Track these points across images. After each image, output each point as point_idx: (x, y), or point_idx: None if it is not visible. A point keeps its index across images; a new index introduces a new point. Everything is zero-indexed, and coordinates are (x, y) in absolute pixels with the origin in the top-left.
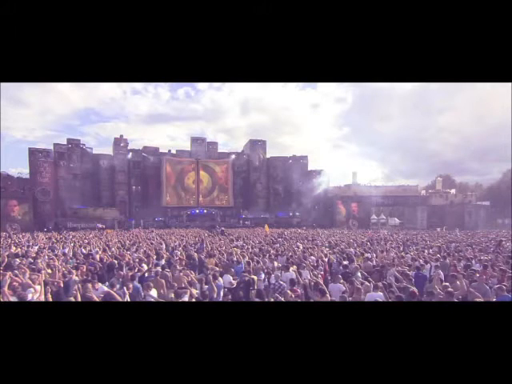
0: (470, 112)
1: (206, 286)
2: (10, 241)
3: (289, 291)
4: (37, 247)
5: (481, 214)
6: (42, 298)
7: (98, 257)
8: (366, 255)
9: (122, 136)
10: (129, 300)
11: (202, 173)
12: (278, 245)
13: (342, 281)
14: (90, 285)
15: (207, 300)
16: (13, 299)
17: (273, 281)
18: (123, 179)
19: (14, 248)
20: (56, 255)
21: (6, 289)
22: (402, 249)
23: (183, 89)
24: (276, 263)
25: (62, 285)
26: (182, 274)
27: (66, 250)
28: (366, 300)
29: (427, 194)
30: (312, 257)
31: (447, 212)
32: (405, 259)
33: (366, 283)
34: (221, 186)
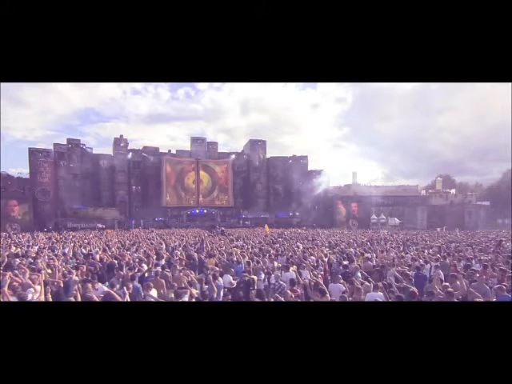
0: (470, 112)
1: (206, 286)
2: (10, 241)
3: (289, 291)
4: (37, 247)
5: (481, 214)
6: (42, 298)
7: (98, 257)
8: (366, 255)
9: (121, 136)
10: (129, 300)
11: (202, 173)
12: (278, 245)
13: (341, 281)
14: (89, 285)
15: (207, 300)
16: (13, 299)
17: (273, 281)
18: (123, 179)
19: (14, 248)
20: (56, 255)
21: (6, 289)
22: (401, 249)
23: (183, 89)
24: (276, 263)
25: (61, 285)
26: (182, 274)
27: (66, 250)
28: (366, 300)
29: (427, 194)
30: (312, 257)
31: (447, 212)
32: (405, 259)
33: (366, 283)
34: (221, 186)
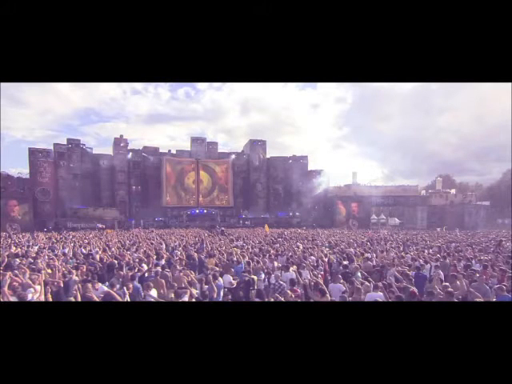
0: (470, 112)
1: (206, 286)
2: (10, 241)
3: (289, 291)
4: (37, 247)
5: (481, 214)
6: (42, 298)
7: (98, 257)
8: (366, 255)
9: (122, 136)
10: (129, 300)
11: (201, 173)
12: (278, 245)
13: (342, 281)
14: (89, 285)
15: (207, 300)
16: (13, 299)
17: (273, 281)
18: (123, 179)
19: (14, 248)
20: (56, 255)
21: (6, 289)
22: (402, 249)
23: (183, 89)
24: (276, 263)
25: (61, 285)
26: (182, 274)
27: (66, 250)
28: (366, 300)
29: (427, 194)
30: (312, 257)
31: (447, 212)
32: (405, 259)
33: (366, 283)
34: (221, 186)
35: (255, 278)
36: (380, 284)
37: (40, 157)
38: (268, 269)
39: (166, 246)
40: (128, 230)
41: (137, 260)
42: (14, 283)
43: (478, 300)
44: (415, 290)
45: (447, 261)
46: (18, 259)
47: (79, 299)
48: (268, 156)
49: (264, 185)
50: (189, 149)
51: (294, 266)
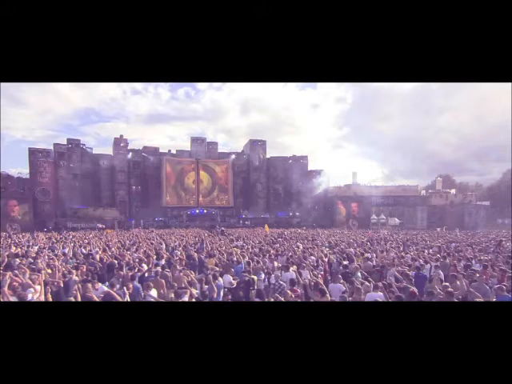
0: (470, 112)
1: (206, 286)
2: (10, 241)
3: (289, 291)
4: (37, 247)
5: (481, 214)
6: (42, 298)
7: (98, 257)
8: (366, 255)
9: (122, 136)
10: (129, 300)
11: (201, 173)
12: (278, 245)
13: (342, 281)
14: (89, 285)
15: (207, 300)
16: (13, 299)
17: (273, 281)
18: (123, 179)
19: (14, 248)
20: (56, 255)
21: (6, 289)
22: (402, 249)
23: (183, 89)
24: (276, 263)
25: (61, 285)
26: (182, 273)
27: (66, 250)
28: (366, 300)
29: (427, 194)
30: (312, 257)
31: (447, 212)
32: (405, 259)
33: (366, 283)
34: (221, 186)
35: (255, 278)
36: (380, 284)
37: (40, 157)
38: (268, 269)
39: (166, 245)
40: (128, 230)
41: (137, 260)
42: (14, 283)
43: (478, 300)
44: (415, 290)
45: (447, 261)
46: (18, 259)
47: (79, 299)
48: (268, 156)
49: (264, 185)
50: (189, 149)
51: (294, 266)
